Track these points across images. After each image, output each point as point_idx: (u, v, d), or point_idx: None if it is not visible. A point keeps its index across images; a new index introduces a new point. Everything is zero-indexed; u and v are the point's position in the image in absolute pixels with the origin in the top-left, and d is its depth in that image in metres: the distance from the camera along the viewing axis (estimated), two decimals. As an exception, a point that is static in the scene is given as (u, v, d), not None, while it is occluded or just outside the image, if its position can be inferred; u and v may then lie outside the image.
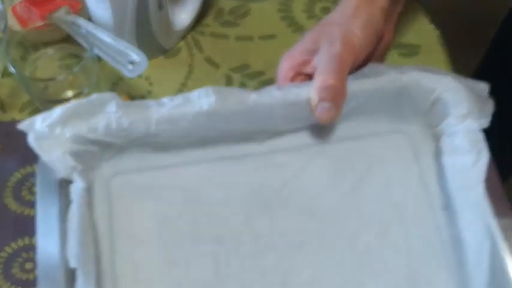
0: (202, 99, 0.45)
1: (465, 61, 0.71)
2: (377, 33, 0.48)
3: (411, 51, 0.62)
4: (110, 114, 0.44)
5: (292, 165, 0.47)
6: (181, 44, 0.63)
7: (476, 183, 0.42)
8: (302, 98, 0.45)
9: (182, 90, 0.59)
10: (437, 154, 0.47)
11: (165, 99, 0.45)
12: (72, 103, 0.44)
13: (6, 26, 0.54)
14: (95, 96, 0.44)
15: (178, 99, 0.45)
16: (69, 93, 0.53)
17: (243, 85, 0.59)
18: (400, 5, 0.51)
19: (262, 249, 0.44)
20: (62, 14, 0.59)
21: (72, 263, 0.39)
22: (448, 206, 0.45)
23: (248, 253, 0.44)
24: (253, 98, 0.46)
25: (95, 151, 0.45)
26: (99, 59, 0.54)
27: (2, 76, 0.58)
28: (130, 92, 0.58)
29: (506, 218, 0.42)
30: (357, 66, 0.47)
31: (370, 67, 0.47)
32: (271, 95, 0.46)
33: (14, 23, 0.59)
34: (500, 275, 0.40)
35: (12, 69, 0.51)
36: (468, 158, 0.43)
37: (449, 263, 0.43)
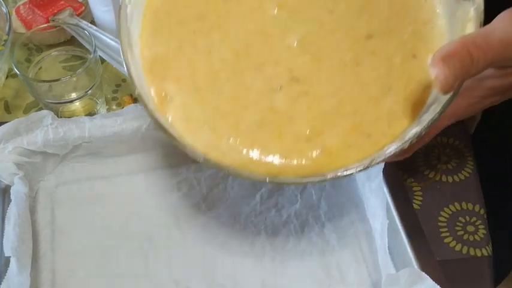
0: (130, 114, 0.51)
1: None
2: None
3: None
4: (47, 126, 0.49)
5: (217, 175, 0.52)
6: (183, 45, 0.64)
7: (377, 174, 0.47)
8: None
9: (184, 91, 0.60)
10: None
11: (98, 116, 0.51)
12: (11, 122, 0.49)
13: (10, 28, 0.55)
14: (32, 114, 0.49)
15: (110, 115, 0.51)
16: (73, 94, 0.54)
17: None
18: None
19: (188, 245, 0.48)
20: (65, 16, 0.59)
21: (7, 253, 0.43)
22: (359, 204, 0.50)
23: (175, 249, 0.48)
24: None
25: (38, 162, 0.50)
26: (102, 60, 0.55)
27: (7, 78, 0.59)
28: (133, 93, 0.59)
29: (401, 202, 0.48)
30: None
31: None
32: None
33: (18, 25, 0.60)
34: (398, 248, 0.46)
35: (16, 71, 0.51)
36: None
37: (362, 251, 0.48)
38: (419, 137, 0.35)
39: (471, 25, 0.36)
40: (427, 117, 0.35)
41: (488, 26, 0.35)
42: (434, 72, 0.33)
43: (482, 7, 0.36)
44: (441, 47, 0.34)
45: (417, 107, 0.37)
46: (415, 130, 0.35)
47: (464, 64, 0.33)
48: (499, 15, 0.36)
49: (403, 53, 0.39)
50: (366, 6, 0.40)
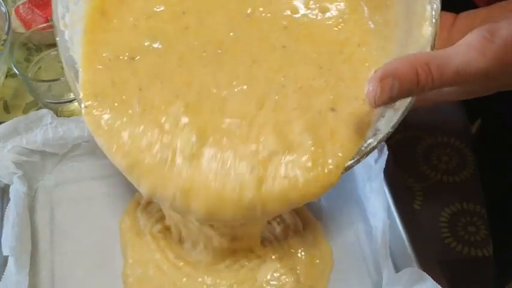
0: None
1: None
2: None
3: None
4: (46, 125, 0.49)
5: None
6: (183, 45, 0.64)
7: (377, 174, 0.47)
8: None
9: (183, 91, 0.59)
10: None
11: None
12: (11, 121, 0.49)
13: (9, 27, 0.55)
14: (32, 113, 0.49)
15: None
16: (72, 94, 0.54)
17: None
18: None
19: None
20: (65, 16, 0.59)
21: (5, 252, 0.42)
22: (360, 204, 0.49)
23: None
24: None
25: (37, 161, 0.50)
26: (101, 60, 0.55)
27: (6, 77, 0.59)
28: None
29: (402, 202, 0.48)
30: None
31: None
32: None
33: (17, 25, 0.60)
34: (398, 248, 0.46)
35: (15, 71, 0.51)
36: (371, 156, 0.47)
37: (363, 252, 0.48)
38: (375, 148, 0.35)
39: (426, 27, 0.34)
40: (384, 127, 0.35)
41: (451, 49, 0.32)
42: (366, 89, 0.31)
43: (439, 8, 0.34)
44: (390, 62, 0.31)
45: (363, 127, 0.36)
46: (370, 141, 0.35)
47: (406, 86, 0.31)
48: (468, 35, 0.32)
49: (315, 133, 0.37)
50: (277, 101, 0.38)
